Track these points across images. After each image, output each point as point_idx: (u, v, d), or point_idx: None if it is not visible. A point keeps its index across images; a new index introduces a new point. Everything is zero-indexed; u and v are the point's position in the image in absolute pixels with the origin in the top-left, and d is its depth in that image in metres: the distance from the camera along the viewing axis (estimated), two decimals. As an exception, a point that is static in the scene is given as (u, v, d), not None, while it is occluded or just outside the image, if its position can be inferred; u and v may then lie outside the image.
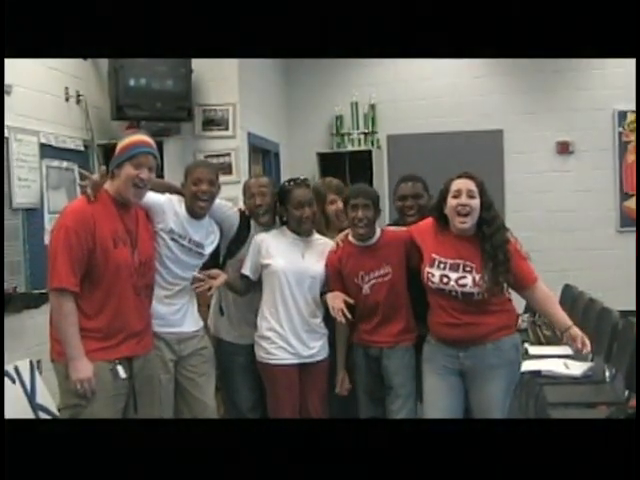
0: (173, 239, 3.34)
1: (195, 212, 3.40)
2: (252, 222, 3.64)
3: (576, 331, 3.18)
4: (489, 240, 3.18)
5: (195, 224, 3.41)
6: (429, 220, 3.38)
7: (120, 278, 3.03)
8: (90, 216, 2.98)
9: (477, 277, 3.16)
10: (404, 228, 3.51)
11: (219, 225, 3.55)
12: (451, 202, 3.20)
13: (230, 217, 3.59)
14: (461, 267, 3.19)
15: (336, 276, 3.52)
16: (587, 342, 3.14)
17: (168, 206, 3.35)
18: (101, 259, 2.98)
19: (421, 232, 3.37)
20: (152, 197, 3.29)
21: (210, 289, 3.43)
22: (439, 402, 3.28)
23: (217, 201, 3.47)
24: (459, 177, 3.24)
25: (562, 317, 3.26)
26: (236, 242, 3.60)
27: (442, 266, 3.22)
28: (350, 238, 3.53)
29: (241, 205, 3.82)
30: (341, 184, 3.95)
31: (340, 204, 3.69)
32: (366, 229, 3.44)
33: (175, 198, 3.41)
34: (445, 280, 3.20)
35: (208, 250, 3.48)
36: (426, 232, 3.35)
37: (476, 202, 3.19)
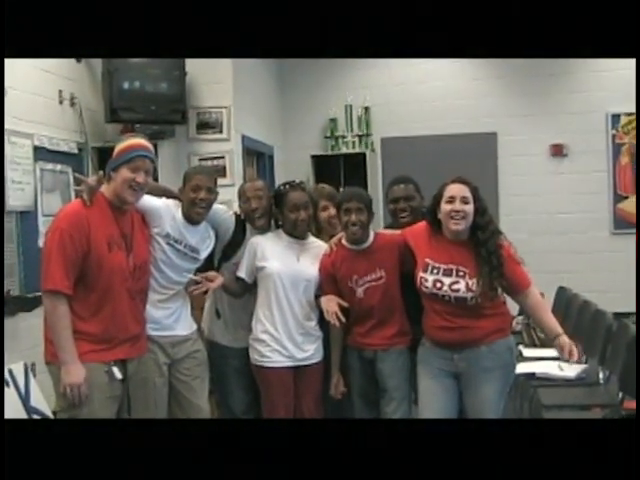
0: (169, 243, 3.34)
1: (192, 218, 3.39)
2: (247, 225, 3.64)
3: (564, 339, 3.18)
4: (484, 245, 3.18)
5: (191, 229, 3.41)
6: (422, 224, 3.37)
7: (115, 282, 3.03)
8: (85, 219, 2.98)
9: (470, 282, 3.16)
10: (398, 231, 3.51)
11: (215, 229, 3.54)
12: (445, 208, 3.19)
13: (226, 221, 3.59)
14: (454, 272, 3.19)
15: (329, 280, 3.52)
16: (575, 351, 3.14)
17: (165, 210, 3.35)
18: (95, 262, 2.98)
19: (415, 236, 3.37)
20: (149, 201, 3.28)
21: (207, 292, 3.42)
22: (434, 404, 3.28)
23: (213, 205, 3.47)
24: (453, 182, 3.23)
25: (553, 324, 3.26)
26: (232, 245, 3.60)
27: (435, 271, 3.21)
28: (343, 242, 3.52)
29: (235, 208, 3.82)
30: (333, 190, 3.94)
31: (332, 210, 3.69)
32: (359, 232, 3.43)
33: (172, 203, 3.40)
34: (438, 285, 3.20)
35: (203, 255, 3.48)
36: (420, 236, 3.34)
37: (470, 208, 3.19)
